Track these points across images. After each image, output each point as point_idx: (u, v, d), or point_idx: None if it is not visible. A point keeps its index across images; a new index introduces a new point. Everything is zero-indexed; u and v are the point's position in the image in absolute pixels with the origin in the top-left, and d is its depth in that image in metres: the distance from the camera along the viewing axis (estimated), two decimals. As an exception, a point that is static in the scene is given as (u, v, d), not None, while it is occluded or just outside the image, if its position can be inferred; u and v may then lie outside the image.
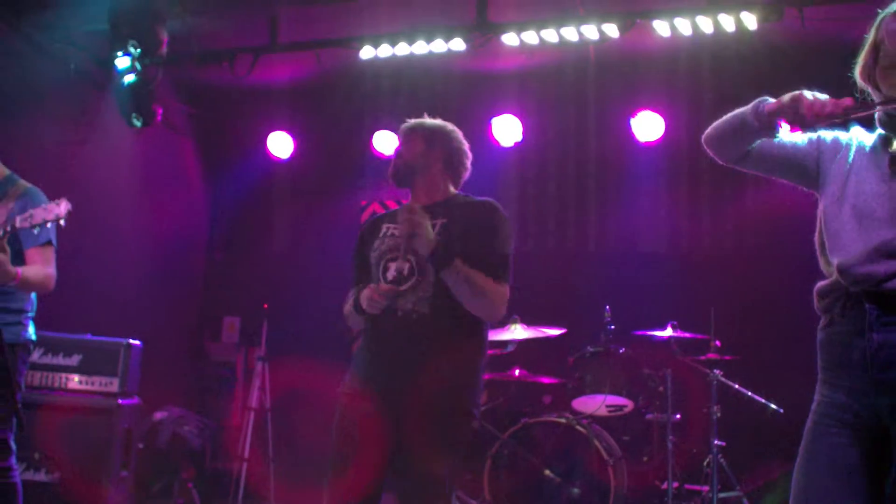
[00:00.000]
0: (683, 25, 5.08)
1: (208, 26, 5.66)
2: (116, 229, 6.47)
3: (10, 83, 5.39)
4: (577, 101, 6.47)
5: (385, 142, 6.40)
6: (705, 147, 2.43)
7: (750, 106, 2.26)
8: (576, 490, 4.68)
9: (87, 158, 6.11)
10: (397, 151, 3.12)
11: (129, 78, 5.67)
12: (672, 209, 6.17)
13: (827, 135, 2.28)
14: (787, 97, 2.16)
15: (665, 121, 6.08)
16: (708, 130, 2.41)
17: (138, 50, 4.94)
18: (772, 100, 2.20)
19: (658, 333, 5.05)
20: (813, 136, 2.30)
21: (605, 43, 5.32)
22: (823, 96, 2.11)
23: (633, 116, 6.14)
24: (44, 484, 4.63)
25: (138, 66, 5.59)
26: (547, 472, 4.71)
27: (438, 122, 3.16)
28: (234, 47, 5.77)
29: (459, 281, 2.77)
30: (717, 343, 5.14)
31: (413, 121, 3.15)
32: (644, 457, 5.17)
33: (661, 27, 5.14)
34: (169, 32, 5.26)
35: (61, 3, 5.21)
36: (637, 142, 6.19)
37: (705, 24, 5.03)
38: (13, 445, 3.61)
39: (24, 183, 3.77)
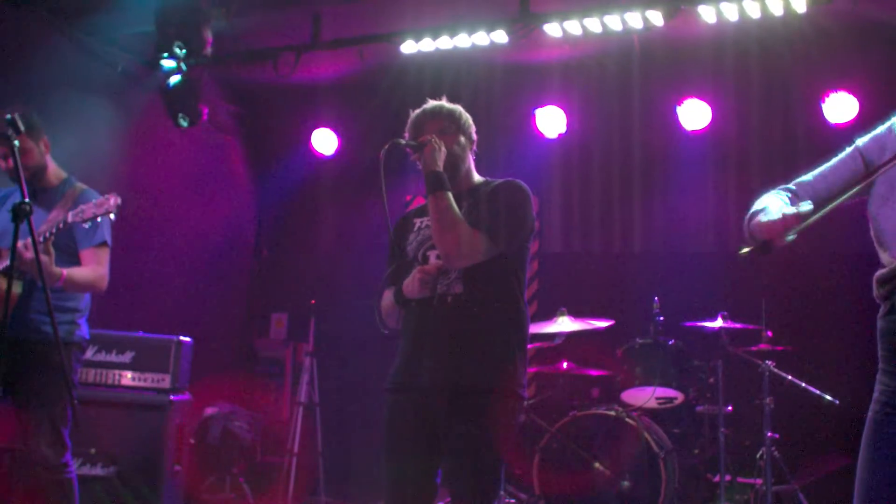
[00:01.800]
0: (730, 10, 4.98)
1: (252, 26, 5.70)
2: (165, 228, 6.57)
3: (60, 86, 5.50)
4: (622, 90, 6.39)
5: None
6: None
7: (746, 219, 2.41)
8: (626, 483, 4.63)
9: (136, 159, 6.22)
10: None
11: (175, 79, 5.75)
12: (721, 198, 6.06)
13: (865, 140, 2.30)
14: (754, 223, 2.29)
15: (712, 109, 5.99)
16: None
17: (184, 51, 5.00)
18: (762, 218, 2.29)
19: (708, 324, 4.97)
20: (850, 149, 2.38)
21: (649, 31, 5.25)
22: (771, 216, 2.22)
23: (679, 105, 6.05)
24: (100, 478, 4.73)
25: (184, 66, 5.66)
26: (597, 465, 4.67)
27: (454, 106, 3.04)
28: (277, 46, 5.81)
29: (437, 209, 2.78)
30: (769, 333, 5.06)
31: (439, 106, 3.00)
32: (695, 449, 5.10)
33: (706, 13, 5.05)
34: (213, 33, 5.31)
35: (108, 8, 5.29)
36: (684, 131, 6.09)
37: (752, 8, 4.93)
38: (69, 442, 3.68)
39: (81, 185, 3.86)
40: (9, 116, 3.14)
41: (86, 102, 5.75)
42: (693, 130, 6.07)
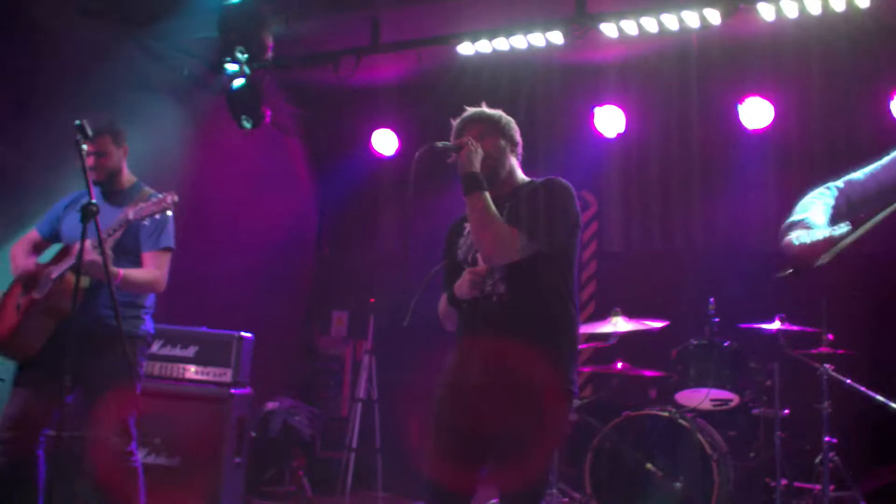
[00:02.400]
0: (790, 7, 4.91)
1: (312, 30, 5.84)
2: (229, 227, 6.75)
3: (130, 90, 5.71)
4: (681, 89, 6.33)
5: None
6: None
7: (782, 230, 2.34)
8: (678, 484, 4.60)
9: (201, 159, 6.41)
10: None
11: (239, 82, 5.91)
12: (780, 197, 5.95)
13: None
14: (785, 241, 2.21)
15: (774, 107, 5.89)
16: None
17: (245, 56, 5.15)
18: (794, 239, 2.23)
19: (765, 326, 4.91)
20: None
21: (706, 30, 5.21)
22: (809, 237, 2.14)
23: (741, 103, 5.97)
24: (164, 467, 4.90)
25: (247, 70, 5.82)
26: (649, 465, 4.65)
27: (493, 111, 3.09)
28: (337, 49, 5.92)
29: (474, 209, 2.83)
30: (830, 336, 4.96)
31: (478, 112, 3.06)
32: (751, 452, 5.04)
33: (765, 10, 4.98)
34: (274, 37, 5.46)
35: (175, 15, 5.48)
36: (744, 130, 6.01)
37: (813, 5, 4.85)
38: (134, 431, 3.84)
39: (149, 190, 4.01)
40: (77, 122, 3.29)
41: (153, 105, 5.96)
42: (754, 129, 5.99)
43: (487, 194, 2.85)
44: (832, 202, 2.44)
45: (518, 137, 3.07)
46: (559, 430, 2.86)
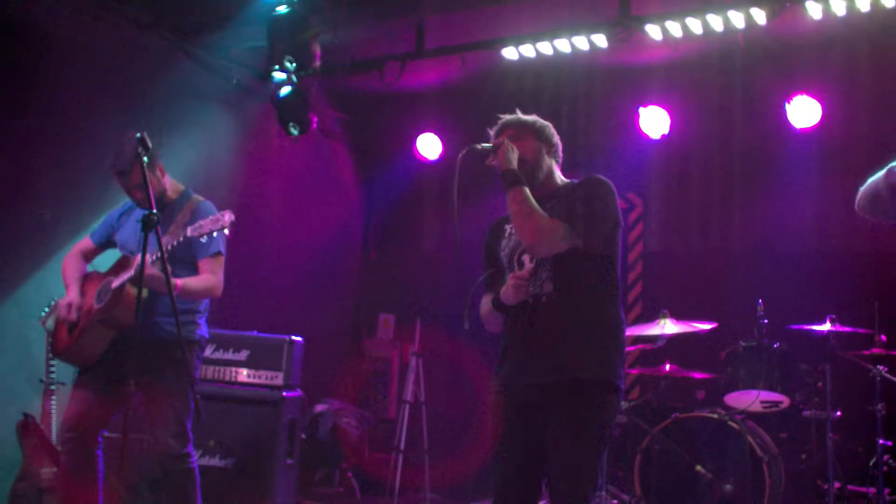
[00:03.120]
0: (837, 5, 4.86)
1: (358, 36, 5.92)
2: (278, 232, 6.87)
3: (181, 99, 5.87)
4: (728, 89, 6.29)
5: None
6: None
7: (882, 175, 2.27)
8: (728, 487, 4.59)
9: (250, 165, 6.55)
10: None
11: (286, 90, 6.01)
12: (829, 197, 5.88)
13: None
14: None
15: (821, 106, 5.83)
16: (857, 197, 2.44)
17: (294, 65, 5.24)
18: None
19: (816, 328, 4.86)
20: None
21: (751, 29, 5.18)
22: None
23: (788, 102, 5.92)
24: (218, 468, 5.00)
25: (294, 78, 5.92)
26: (698, 467, 4.64)
27: (528, 116, 3.16)
28: (382, 55, 6.00)
29: (514, 202, 2.89)
30: (883, 338, 4.90)
31: (512, 118, 3.14)
32: (802, 455, 4.99)
33: (813, 9, 4.94)
34: (321, 45, 5.54)
35: (223, 25, 5.61)
36: (792, 128, 5.96)
37: (862, 1, 4.80)
38: (191, 434, 3.94)
39: (198, 197, 4.10)
40: (139, 135, 3.38)
41: (204, 113, 6.12)
42: (802, 128, 5.93)
43: (527, 188, 2.91)
44: None
45: (556, 140, 3.12)
46: (608, 425, 2.89)
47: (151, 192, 3.36)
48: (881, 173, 2.35)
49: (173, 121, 5.72)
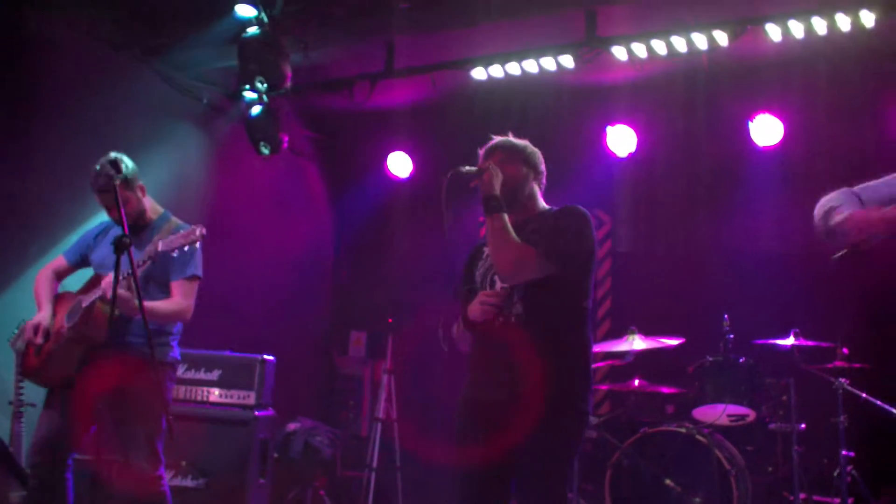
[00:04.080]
0: (796, 28, 5.00)
1: (329, 56, 5.96)
2: (250, 251, 6.87)
3: (152, 118, 5.87)
4: (693, 107, 6.41)
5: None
6: None
7: (822, 213, 2.35)
8: (697, 500, 4.66)
9: (221, 184, 6.55)
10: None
11: (257, 109, 6.04)
12: (793, 214, 6.00)
13: None
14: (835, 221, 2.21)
15: (783, 124, 5.98)
16: (815, 213, 2.50)
17: (265, 85, 5.28)
18: (837, 217, 2.24)
19: (780, 342, 4.97)
20: None
21: (714, 51, 5.30)
22: (870, 214, 2.17)
23: (751, 120, 6.06)
24: (191, 489, 4.99)
25: (265, 98, 5.95)
26: (668, 481, 4.71)
27: (519, 140, 3.22)
28: (352, 75, 6.05)
29: (493, 228, 2.94)
30: (845, 351, 5.01)
31: (504, 141, 3.19)
32: (769, 467, 5.08)
33: (773, 31, 5.07)
34: (291, 64, 5.57)
35: (193, 45, 5.63)
36: (755, 146, 6.10)
37: (819, 24, 4.94)
38: (163, 455, 3.92)
39: (176, 220, 4.09)
40: (112, 156, 3.39)
41: (175, 132, 6.13)
42: (764, 146, 6.07)
43: (506, 216, 2.96)
44: (854, 198, 2.49)
45: (542, 168, 3.19)
46: (571, 449, 2.94)
47: (123, 214, 3.37)
48: (826, 207, 2.41)
49: (144, 139, 5.71)
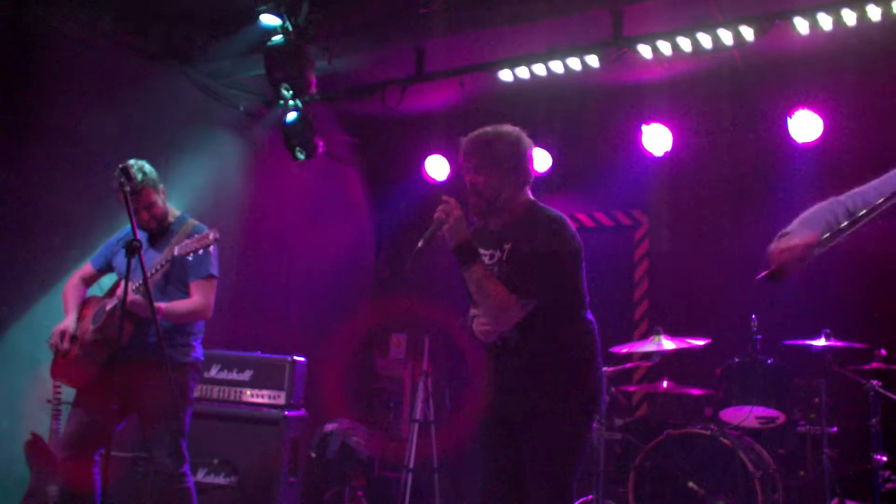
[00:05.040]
0: (825, 21, 4.88)
1: (358, 62, 6.06)
2: (289, 254, 7.02)
3: (190, 126, 6.05)
4: (728, 105, 6.32)
5: (535, 157, 6.56)
6: None
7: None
8: (721, 503, 4.58)
9: (260, 189, 6.70)
10: (472, 183, 3.03)
11: (292, 115, 6.17)
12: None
13: None
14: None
15: (823, 120, 5.83)
16: None
17: (290, 92, 5.40)
18: (773, 244, 2.41)
19: (812, 343, 4.84)
20: None
21: (748, 45, 5.20)
22: (785, 242, 2.32)
23: (790, 116, 5.92)
24: (222, 486, 5.13)
25: (299, 104, 6.08)
26: (691, 484, 4.65)
27: (496, 129, 3.04)
28: (383, 80, 6.12)
29: (471, 281, 2.89)
30: (883, 352, 4.86)
31: (474, 140, 3.04)
32: (800, 471, 4.96)
33: (801, 25, 4.95)
34: (323, 70, 5.68)
35: (226, 54, 5.80)
36: (793, 143, 5.96)
37: (849, 16, 4.81)
38: (187, 453, 4.05)
39: (192, 221, 4.23)
40: (121, 166, 3.54)
41: (212, 140, 6.31)
42: (804, 142, 5.93)
43: (481, 263, 2.89)
44: (829, 215, 2.50)
45: (521, 156, 3.02)
46: (569, 455, 2.94)
47: (133, 220, 3.50)
48: (783, 231, 2.55)
49: (183, 147, 5.91)
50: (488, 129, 3.05)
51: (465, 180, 3.07)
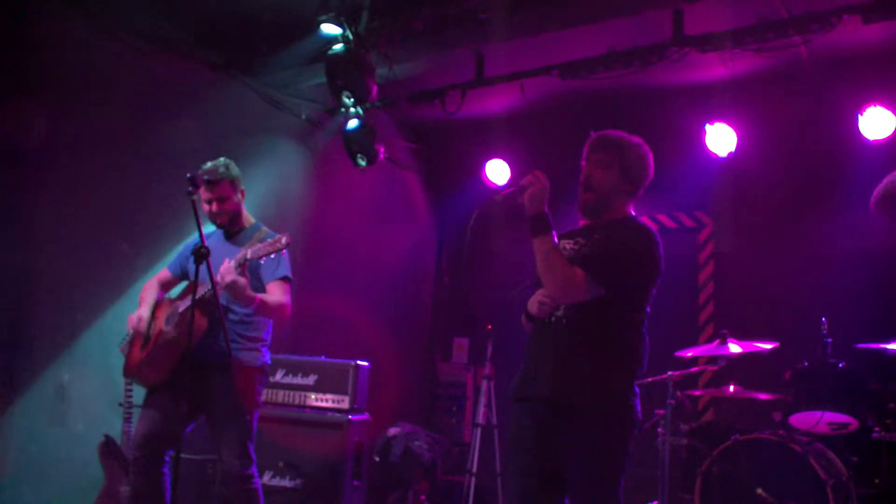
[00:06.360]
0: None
1: (418, 68, 6.10)
2: (351, 260, 7.09)
3: (254, 134, 6.17)
4: (794, 103, 6.18)
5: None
6: None
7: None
8: (791, 510, 4.47)
9: (322, 196, 6.80)
10: (588, 176, 3.06)
11: (353, 123, 6.24)
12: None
13: None
14: None
15: (896, 116, 5.67)
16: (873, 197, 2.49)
17: (351, 100, 5.47)
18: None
19: (886, 346, 4.68)
20: None
21: (814, 40, 5.08)
22: None
23: (861, 114, 5.77)
24: (287, 489, 5.20)
25: (360, 111, 6.15)
26: (759, 490, 4.54)
27: (631, 137, 3.09)
28: (442, 86, 6.15)
29: (539, 251, 2.88)
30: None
31: (608, 137, 3.07)
32: (876, 479, 4.81)
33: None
34: (383, 77, 5.74)
35: (287, 64, 5.89)
36: (864, 140, 5.80)
37: (922, 10, 4.66)
38: (254, 455, 4.12)
39: (266, 229, 4.34)
40: (189, 175, 3.63)
41: (275, 148, 6.41)
42: (874, 140, 5.77)
43: (553, 236, 2.91)
44: None
45: (644, 172, 3.07)
46: (617, 452, 2.89)
47: (201, 228, 3.58)
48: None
49: (247, 156, 5.99)
50: (622, 133, 3.11)
51: (581, 172, 3.08)
